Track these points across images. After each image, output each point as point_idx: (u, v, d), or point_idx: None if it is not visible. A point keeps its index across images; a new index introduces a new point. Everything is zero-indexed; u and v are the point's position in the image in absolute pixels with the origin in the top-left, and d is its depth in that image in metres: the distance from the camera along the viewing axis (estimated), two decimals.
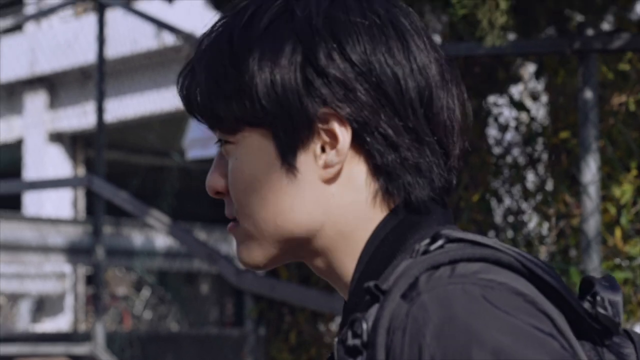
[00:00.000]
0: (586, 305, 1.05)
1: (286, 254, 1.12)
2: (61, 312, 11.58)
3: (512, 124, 4.48)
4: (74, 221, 11.30)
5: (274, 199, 1.09)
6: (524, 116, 4.44)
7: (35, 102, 14.13)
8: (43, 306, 11.63)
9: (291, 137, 1.08)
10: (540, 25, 4.04)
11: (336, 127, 1.07)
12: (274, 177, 1.09)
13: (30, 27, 13.79)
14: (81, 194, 12.65)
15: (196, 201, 10.07)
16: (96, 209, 7.34)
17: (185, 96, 1.13)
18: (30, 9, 13.05)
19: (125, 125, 10.60)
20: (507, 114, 4.53)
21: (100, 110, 7.31)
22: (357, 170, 1.09)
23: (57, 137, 14.12)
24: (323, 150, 1.08)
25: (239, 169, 1.10)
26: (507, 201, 4.43)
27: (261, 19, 1.09)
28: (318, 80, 1.06)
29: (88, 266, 10.37)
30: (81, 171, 14.19)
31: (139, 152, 13.09)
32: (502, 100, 4.58)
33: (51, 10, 10.03)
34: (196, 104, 1.12)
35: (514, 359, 0.89)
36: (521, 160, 4.43)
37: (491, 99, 4.59)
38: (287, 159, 1.08)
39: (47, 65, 13.18)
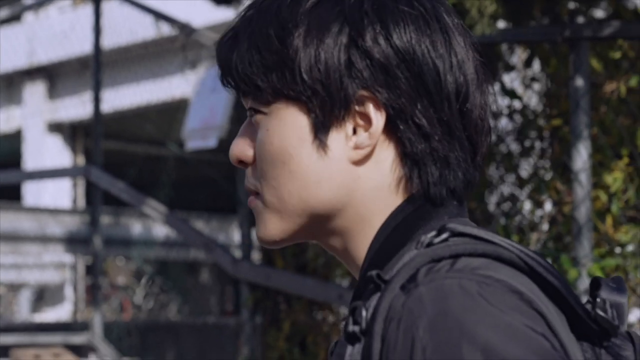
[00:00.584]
0: (587, 305, 1.05)
1: (303, 231, 1.13)
2: (61, 302, 11.60)
3: (505, 112, 4.48)
4: (73, 211, 11.30)
5: (302, 173, 1.10)
6: (516, 104, 4.44)
7: (34, 92, 14.12)
8: (43, 296, 11.65)
9: (327, 114, 1.09)
10: (532, 13, 4.03)
11: (372, 110, 1.08)
12: (304, 151, 1.10)
13: (28, 17, 13.78)
14: (80, 184, 12.66)
15: (193, 191, 10.09)
16: (94, 199, 7.36)
17: (224, 62, 1.13)
18: None
19: (122, 115, 10.59)
20: (500, 102, 4.53)
21: (97, 100, 7.32)
22: (385, 156, 1.10)
23: (56, 127, 14.12)
24: (354, 131, 1.09)
25: (269, 140, 1.11)
26: (501, 189, 4.44)
27: None
28: (361, 63, 1.08)
29: (87, 256, 10.39)
30: (81, 161, 14.18)
31: (136, 142, 13.09)
32: (494, 89, 4.57)
33: (49, 1, 10.04)
34: (235, 70, 1.12)
35: (504, 357, 0.90)
36: (514, 148, 4.43)
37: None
38: (320, 136, 1.09)
39: (46, 55, 13.17)
